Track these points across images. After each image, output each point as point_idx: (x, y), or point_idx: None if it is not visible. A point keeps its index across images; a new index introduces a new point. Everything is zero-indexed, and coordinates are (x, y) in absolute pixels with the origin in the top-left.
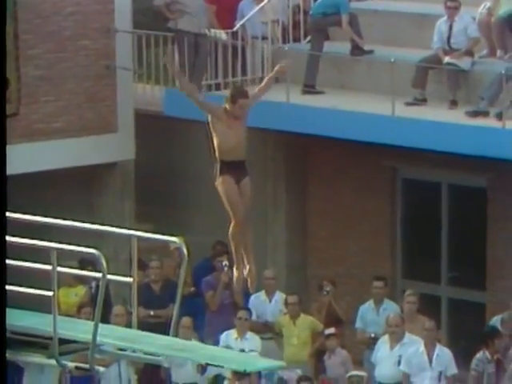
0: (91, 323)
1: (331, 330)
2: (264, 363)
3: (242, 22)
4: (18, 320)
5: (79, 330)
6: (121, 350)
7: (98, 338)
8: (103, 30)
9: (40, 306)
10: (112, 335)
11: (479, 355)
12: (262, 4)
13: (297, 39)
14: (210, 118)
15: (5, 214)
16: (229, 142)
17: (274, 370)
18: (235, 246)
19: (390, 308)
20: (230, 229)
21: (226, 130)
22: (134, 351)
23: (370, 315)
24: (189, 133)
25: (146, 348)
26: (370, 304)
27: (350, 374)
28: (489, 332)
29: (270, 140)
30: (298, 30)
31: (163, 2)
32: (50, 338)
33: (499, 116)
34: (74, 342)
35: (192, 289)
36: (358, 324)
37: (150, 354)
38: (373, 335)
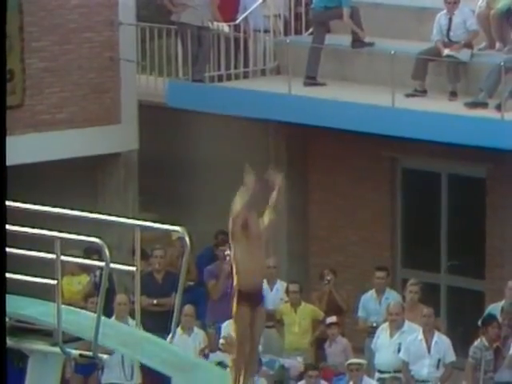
0: (94, 316)
1: (333, 319)
2: None
3: (244, 15)
4: (22, 308)
5: (82, 323)
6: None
7: (100, 337)
8: (107, 23)
9: (43, 292)
10: (114, 336)
11: (477, 343)
12: None
13: (298, 32)
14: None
15: (4, 202)
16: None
17: None
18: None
19: (392, 297)
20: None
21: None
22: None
23: (372, 305)
24: (191, 123)
25: (148, 362)
26: (371, 293)
27: (349, 361)
28: (486, 320)
29: (272, 130)
30: (300, 23)
31: None
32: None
33: (498, 107)
34: None
35: (193, 279)
36: (360, 313)
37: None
38: (374, 324)
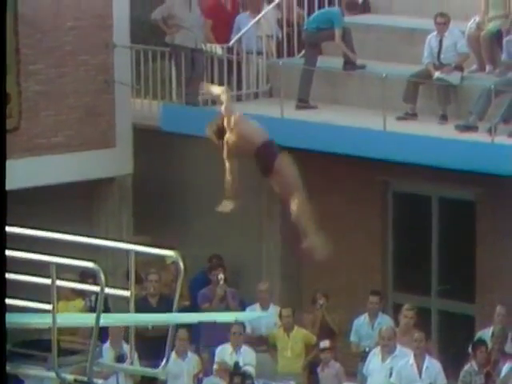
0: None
1: (326, 344)
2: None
3: (237, 37)
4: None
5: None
6: (118, 361)
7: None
8: (102, 45)
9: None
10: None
11: (467, 367)
12: (258, 17)
13: (291, 53)
14: None
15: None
16: None
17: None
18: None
19: (385, 322)
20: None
21: None
22: (131, 362)
23: (365, 329)
24: (185, 147)
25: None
26: (364, 318)
27: None
28: (476, 344)
29: None
30: (292, 45)
31: (160, 16)
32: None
33: (489, 131)
34: (73, 353)
35: (187, 302)
36: (353, 337)
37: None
38: (367, 349)
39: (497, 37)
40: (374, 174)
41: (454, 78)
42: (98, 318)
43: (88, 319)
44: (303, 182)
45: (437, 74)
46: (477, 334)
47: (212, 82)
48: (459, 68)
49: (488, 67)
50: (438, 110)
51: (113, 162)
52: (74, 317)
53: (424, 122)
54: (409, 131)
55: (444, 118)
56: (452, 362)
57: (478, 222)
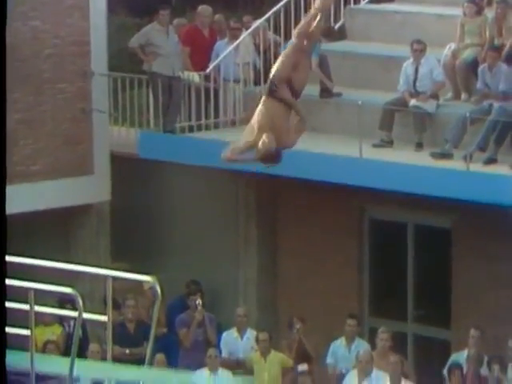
0: (67, 359)
1: (304, 367)
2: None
3: (214, 64)
4: None
5: (56, 365)
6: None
7: (76, 372)
8: (80, 73)
9: (15, 343)
10: (88, 368)
11: None
12: (236, 44)
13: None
14: None
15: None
16: None
17: None
18: None
19: (362, 346)
20: None
21: None
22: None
23: (342, 352)
24: (163, 174)
25: (121, 377)
26: (341, 341)
27: None
28: (450, 368)
29: (242, 181)
30: (270, 70)
31: (137, 44)
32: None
33: (464, 158)
34: (51, 378)
35: (165, 329)
36: (329, 360)
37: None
38: (344, 371)
39: (472, 65)
40: (351, 200)
41: (430, 105)
42: (76, 342)
43: (65, 363)
44: (279, 210)
45: (412, 102)
46: (451, 357)
47: (189, 109)
48: (435, 96)
49: (463, 95)
50: (414, 138)
51: (91, 188)
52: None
53: (400, 149)
54: (385, 158)
55: (420, 146)
56: None
57: (453, 249)
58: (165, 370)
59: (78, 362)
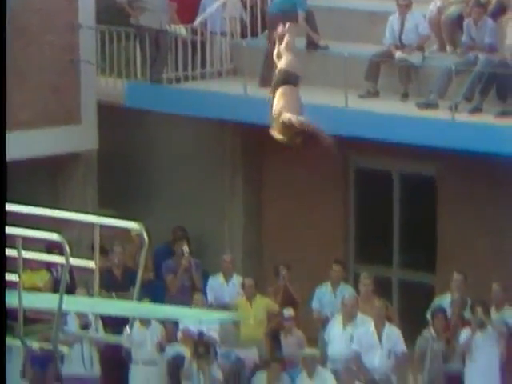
0: (56, 295)
1: (290, 312)
2: (217, 315)
3: (201, 18)
4: None
5: (44, 301)
6: (83, 328)
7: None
8: (68, 26)
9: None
10: (75, 303)
11: (424, 332)
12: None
13: (255, 33)
14: None
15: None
16: None
17: (227, 321)
18: None
19: (347, 291)
20: None
21: None
22: (96, 330)
23: (327, 297)
24: (149, 123)
25: (106, 311)
26: (327, 286)
27: (303, 352)
28: (433, 311)
29: (228, 130)
30: (256, 24)
31: None
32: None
33: (449, 108)
34: (39, 322)
35: (151, 275)
36: (315, 304)
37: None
38: (329, 315)
39: (457, 20)
40: (337, 149)
41: (416, 58)
42: (63, 288)
43: (54, 299)
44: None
45: (398, 54)
46: (434, 301)
47: (176, 60)
48: (420, 48)
49: (449, 48)
50: (400, 89)
51: (78, 137)
52: (41, 297)
53: (386, 99)
54: (370, 109)
55: (405, 96)
56: (413, 331)
57: (438, 196)
58: (151, 305)
59: (67, 298)
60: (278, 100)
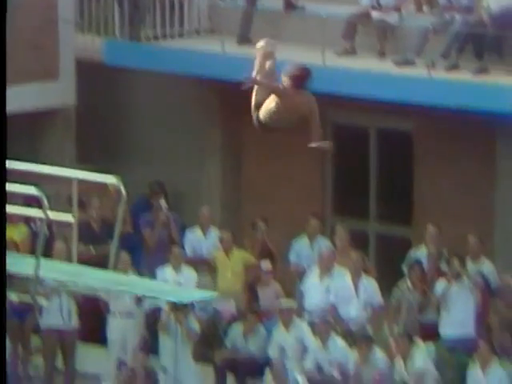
0: (34, 259)
1: (267, 265)
2: (198, 294)
3: None
4: None
5: (23, 264)
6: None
7: (41, 273)
8: None
9: None
10: (54, 270)
11: (400, 284)
12: None
13: None
14: None
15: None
16: None
17: (208, 300)
18: None
19: (324, 244)
20: None
21: None
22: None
23: (305, 250)
24: (127, 80)
25: (86, 281)
26: (304, 239)
27: (280, 304)
28: (409, 263)
29: (206, 87)
30: None
31: None
32: None
33: (426, 65)
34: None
35: (129, 227)
36: (292, 257)
37: (90, 288)
38: (306, 268)
39: None
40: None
41: (393, 18)
42: (41, 241)
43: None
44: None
45: (375, 15)
46: (410, 253)
47: (154, 18)
48: (397, 9)
49: (425, 8)
50: (377, 47)
51: (56, 93)
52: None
53: (363, 57)
54: (348, 66)
55: (382, 54)
56: (389, 284)
57: (415, 151)
58: (129, 275)
59: (45, 263)
60: None
